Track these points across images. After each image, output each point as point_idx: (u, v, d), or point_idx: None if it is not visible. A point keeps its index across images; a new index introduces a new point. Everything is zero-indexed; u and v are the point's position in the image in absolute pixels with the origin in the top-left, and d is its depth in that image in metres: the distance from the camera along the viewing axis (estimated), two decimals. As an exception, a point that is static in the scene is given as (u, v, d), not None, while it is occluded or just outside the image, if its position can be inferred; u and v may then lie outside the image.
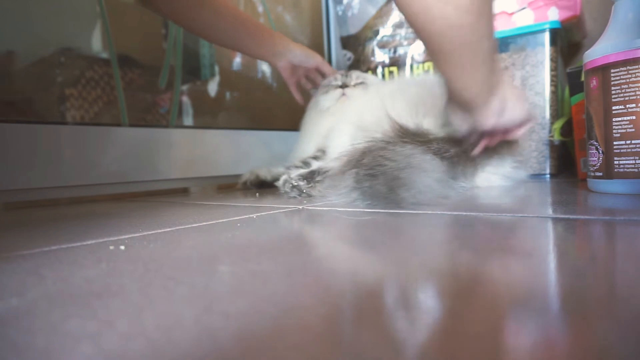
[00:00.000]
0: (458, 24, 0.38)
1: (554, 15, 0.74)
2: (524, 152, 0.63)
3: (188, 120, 0.87)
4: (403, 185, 0.44)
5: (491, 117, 0.49)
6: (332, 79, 0.78)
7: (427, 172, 0.46)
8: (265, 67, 1.03)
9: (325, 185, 0.55)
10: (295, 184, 0.56)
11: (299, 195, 0.57)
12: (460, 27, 0.38)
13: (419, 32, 0.40)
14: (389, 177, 0.44)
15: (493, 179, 0.59)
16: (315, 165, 0.63)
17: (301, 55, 0.77)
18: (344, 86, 0.75)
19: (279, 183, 0.59)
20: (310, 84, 0.85)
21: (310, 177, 0.56)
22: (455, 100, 0.49)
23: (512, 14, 0.77)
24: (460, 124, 0.52)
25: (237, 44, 0.73)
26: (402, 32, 1.00)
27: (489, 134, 0.53)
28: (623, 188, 0.44)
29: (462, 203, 0.44)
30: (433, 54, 0.42)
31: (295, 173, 0.57)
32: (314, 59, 0.79)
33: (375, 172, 0.45)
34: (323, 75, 0.82)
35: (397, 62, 1.01)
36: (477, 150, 0.54)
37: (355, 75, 0.78)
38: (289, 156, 0.77)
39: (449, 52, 0.41)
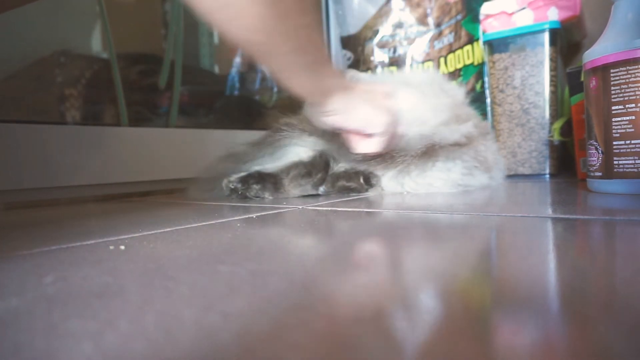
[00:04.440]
0: (247, 39, 0.39)
1: (553, 15, 0.74)
2: (481, 156, 0.60)
3: (188, 119, 0.87)
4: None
5: (334, 115, 0.52)
6: None
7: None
8: (265, 67, 1.03)
9: (260, 187, 0.59)
10: (233, 187, 0.59)
11: (237, 196, 0.59)
12: (253, 43, 0.39)
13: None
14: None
15: (439, 185, 0.56)
16: (257, 168, 0.64)
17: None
18: None
19: (222, 185, 0.62)
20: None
21: (246, 179, 0.59)
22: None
23: (512, 14, 0.77)
24: (315, 116, 0.54)
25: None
26: (402, 32, 1.00)
27: (345, 130, 0.55)
28: (623, 188, 0.44)
29: (457, 205, 0.44)
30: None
31: (235, 176, 0.60)
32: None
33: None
34: None
35: (396, 62, 1.01)
36: (360, 151, 0.56)
37: (349, 78, 0.78)
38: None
39: (258, 59, 0.43)
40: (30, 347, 0.14)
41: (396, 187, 0.57)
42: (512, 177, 0.74)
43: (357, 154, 0.56)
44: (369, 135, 0.54)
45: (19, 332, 0.15)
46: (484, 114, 0.86)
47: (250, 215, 0.42)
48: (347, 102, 0.51)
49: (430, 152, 0.56)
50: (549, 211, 0.36)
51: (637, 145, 0.43)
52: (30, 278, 0.22)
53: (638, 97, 0.42)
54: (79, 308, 0.17)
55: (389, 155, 0.55)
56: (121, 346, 0.14)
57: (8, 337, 0.15)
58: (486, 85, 0.87)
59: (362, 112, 0.53)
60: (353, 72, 0.80)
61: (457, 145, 0.58)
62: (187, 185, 0.72)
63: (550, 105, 0.72)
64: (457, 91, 0.70)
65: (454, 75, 0.94)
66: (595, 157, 0.47)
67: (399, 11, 1.00)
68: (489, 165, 0.61)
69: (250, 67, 1.00)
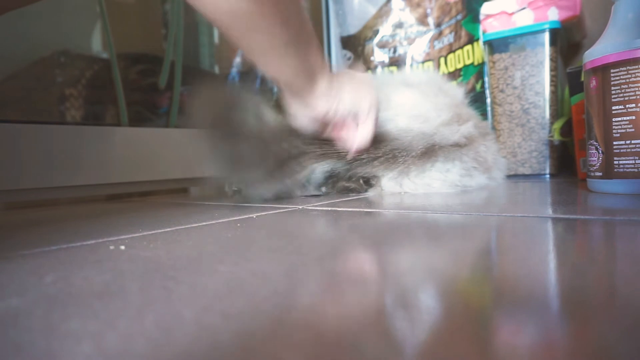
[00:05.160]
0: (231, 10, 0.35)
1: (553, 15, 0.74)
2: (481, 157, 0.60)
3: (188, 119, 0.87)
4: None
5: (322, 101, 0.47)
6: None
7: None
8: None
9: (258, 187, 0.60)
10: (236, 187, 0.61)
11: (240, 197, 0.60)
12: (237, 14, 0.35)
13: (206, 17, 0.37)
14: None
15: (437, 185, 0.56)
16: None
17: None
18: None
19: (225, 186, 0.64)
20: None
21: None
22: (279, 87, 0.47)
23: (512, 14, 0.77)
24: (298, 113, 0.49)
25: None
26: (402, 32, 1.00)
27: (332, 121, 0.50)
28: (623, 188, 0.44)
29: (458, 205, 0.44)
30: (230, 39, 0.40)
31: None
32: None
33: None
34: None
35: (396, 62, 1.01)
36: (352, 152, 0.53)
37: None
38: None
39: (240, 38, 0.39)
40: (31, 347, 0.14)
41: (395, 187, 0.57)
42: (512, 177, 0.74)
43: (352, 154, 0.53)
44: (358, 123, 0.51)
45: (19, 332, 0.15)
46: (484, 114, 0.86)
47: (251, 215, 0.42)
48: (333, 85, 0.47)
49: (430, 152, 0.55)
50: (549, 211, 0.36)
51: (637, 145, 0.43)
52: (30, 278, 0.22)
53: (638, 97, 0.42)
54: (79, 308, 0.17)
55: (391, 155, 0.55)
56: (121, 346, 0.14)
57: (8, 337, 0.15)
58: (486, 85, 0.87)
59: (350, 94, 0.48)
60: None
61: (457, 145, 0.57)
62: (188, 185, 0.71)
63: (551, 105, 0.72)
64: (457, 91, 0.70)
65: (454, 75, 0.94)
66: (595, 157, 0.47)
67: (399, 11, 1.00)
68: (489, 165, 0.61)
69: (250, 67, 1.00)
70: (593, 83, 0.46)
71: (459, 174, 0.57)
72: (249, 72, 1.00)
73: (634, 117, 0.43)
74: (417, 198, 0.50)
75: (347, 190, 0.58)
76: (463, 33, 0.93)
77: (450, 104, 0.63)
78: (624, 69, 0.43)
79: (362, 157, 0.55)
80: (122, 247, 0.29)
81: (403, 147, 0.55)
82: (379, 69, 1.03)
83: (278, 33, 0.39)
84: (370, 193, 0.57)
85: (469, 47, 0.92)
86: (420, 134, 0.56)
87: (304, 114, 0.49)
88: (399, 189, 0.57)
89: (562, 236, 0.28)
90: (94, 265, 0.24)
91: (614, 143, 0.44)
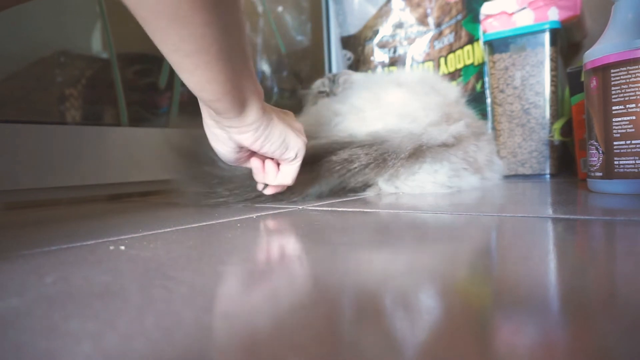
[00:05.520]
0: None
1: (554, 15, 0.74)
2: (471, 157, 0.59)
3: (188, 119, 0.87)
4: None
5: (249, 133, 0.41)
6: (320, 85, 0.78)
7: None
8: (265, 67, 1.03)
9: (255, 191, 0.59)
10: (228, 192, 0.60)
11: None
12: (168, 5, 0.28)
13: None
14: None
15: (429, 187, 0.56)
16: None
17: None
18: (330, 94, 0.75)
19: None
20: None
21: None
22: (203, 104, 0.40)
23: (512, 14, 0.77)
24: (218, 137, 0.43)
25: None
26: (402, 32, 1.00)
27: (254, 154, 0.47)
28: (623, 188, 0.44)
29: (457, 205, 0.44)
30: (149, 32, 0.31)
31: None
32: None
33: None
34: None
35: (396, 62, 1.01)
36: (270, 189, 0.50)
37: (343, 80, 0.77)
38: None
39: (162, 31, 0.30)
40: (31, 347, 0.14)
41: (390, 188, 0.57)
42: (513, 177, 0.74)
43: (270, 191, 0.50)
44: (283, 162, 0.47)
45: (19, 332, 0.15)
46: (484, 114, 0.86)
47: (250, 215, 0.42)
48: (265, 118, 0.41)
49: (417, 153, 0.55)
50: (549, 211, 0.36)
51: (637, 146, 0.43)
52: (30, 278, 0.22)
53: (638, 97, 0.42)
54: (79, 308, 0.17)
55: (381, 160, 0.53)
56: (121, 346, 0.14)
57: (9, 337, 0.15)
58: (486, 85, 0.87)
59: (279, 134, 0.43)
60: (348, 74, 0.80)
61: (445, 145, 0.57)
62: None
63: (551, 105, 0.72)
64: (450, 90, 0.69)
65: (454, 75, 0.94)
66: (595, 157, 0.47)
67: (399, 11, 1.00)
68: (479, 166, 0.60)
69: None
70: (593, 83, 0.46)
71: (447, 174, 0.56)
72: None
73: (634, 117, 0.43)
74: (414, 198, 0.50)
75: (346, 191, 0.58)
76: (463, 33, 0.93)
77: (440, 103, 0.62)
78: (624, 69, 0.43)
79: (354, 166, 0.53)
80: (122, 247, 0.29)
81: (392, 149, 0.53)
82: (379, 69, 1.03)
83: (210, 35, 0.31)
84: (369, 193, 0.57)
85: (469, 47, 0.92)
86: (409, 134, 0.55)
87: (224, 139, 0.43)
88: (395, 190, 0.56)
89: (562, 236, 0.28)
90: (94, 266, 0.24)
91: (614, 143, 0.44)
